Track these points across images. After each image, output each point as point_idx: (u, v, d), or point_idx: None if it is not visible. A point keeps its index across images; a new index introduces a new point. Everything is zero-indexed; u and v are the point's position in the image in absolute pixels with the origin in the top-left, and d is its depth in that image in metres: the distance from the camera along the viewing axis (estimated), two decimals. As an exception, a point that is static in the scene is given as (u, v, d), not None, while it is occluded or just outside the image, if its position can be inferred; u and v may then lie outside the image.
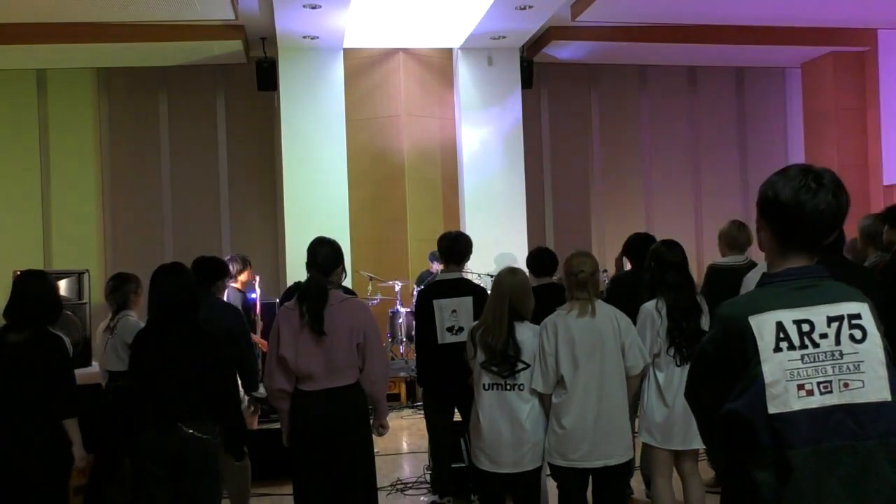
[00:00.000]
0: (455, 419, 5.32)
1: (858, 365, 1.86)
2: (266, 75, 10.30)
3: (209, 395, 3.71)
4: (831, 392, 1.85)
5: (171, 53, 10.13)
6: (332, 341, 3.88)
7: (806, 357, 1.86)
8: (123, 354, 4.55)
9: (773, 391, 1.85)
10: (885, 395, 1.85)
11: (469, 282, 5.26)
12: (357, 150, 10.43)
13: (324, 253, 3.99)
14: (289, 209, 10.12)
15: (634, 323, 4.11)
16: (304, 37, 9.63)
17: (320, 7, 8.53)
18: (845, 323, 1.88)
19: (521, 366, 3.96)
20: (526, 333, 3.99)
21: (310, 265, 4.00)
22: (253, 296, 7.50)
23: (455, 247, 5.21)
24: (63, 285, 5.45)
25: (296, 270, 8.65)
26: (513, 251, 9.75)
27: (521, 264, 5.31)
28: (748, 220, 4.98)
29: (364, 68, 10.61)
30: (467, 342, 4.19)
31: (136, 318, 4.88)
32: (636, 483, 5.40)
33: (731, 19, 10.06)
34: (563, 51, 10.86)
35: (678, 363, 4.06)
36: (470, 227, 9.88)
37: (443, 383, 5.11)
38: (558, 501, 4.18)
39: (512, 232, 10.33)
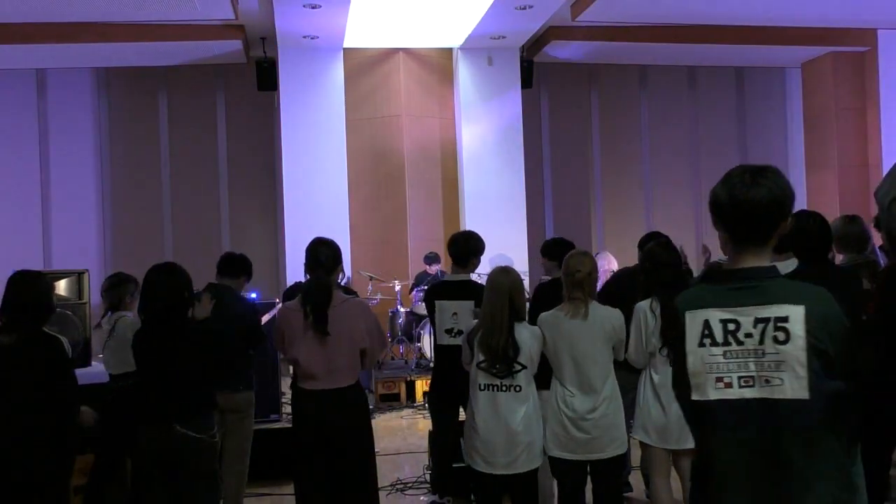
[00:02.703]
0: (461, 419, 5.30)
1: (779, 364, 1.99)
2: (266, 75, 10.31)
3: (202, 395, 3.71)
4: (753, 386, 2.01)
5: (171, 53, 10.13)
6: (334, 343, 3.90)
7: (728, 353, 2.03)
8: (124, 355, 4.53)
9: (695, 381, 2.07)
10: (804, 394, 1.97)
11: (474, 285, 5.16)
12: (357, 150, 10.44)
13: (325, 253, 4.00)
14: (289, 209, 10.12)
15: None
16: (304, 37, 9.63)
17: (320, 7, 8.53)
18: (770, 325, 2.00)
19: (517, 367, 3.97)
20: (524, 334, 4.01)
21: (312, 266, 3.99)
22: (252, 296, 7.48)
23: (462, 248, 5.15)
24: (63, 285, 5.44)
25: (296, 270, 8.65)
26: (513, 251, 9.75)
27: (517, 265, 5.27)
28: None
29: (364, 68, 10.61)
30: (463, 346, 4.18)
31: (133, 316, 4.87)
32: (636, 482, 5.40)
33: (731, 19, 10.06)
34: (563, 51, 10.86)
35: (672, 363, 4.08)
36: (470, 227, 9.82)
37: (441, 384, 5.12)
38: (557, 497, 4.21)
39: (512, 232, 10.33)
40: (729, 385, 2.02)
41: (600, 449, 3.98)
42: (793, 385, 1.97)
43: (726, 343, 2.03)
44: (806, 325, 1.97)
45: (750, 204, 2.01)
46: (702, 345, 2.06)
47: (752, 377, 2.00)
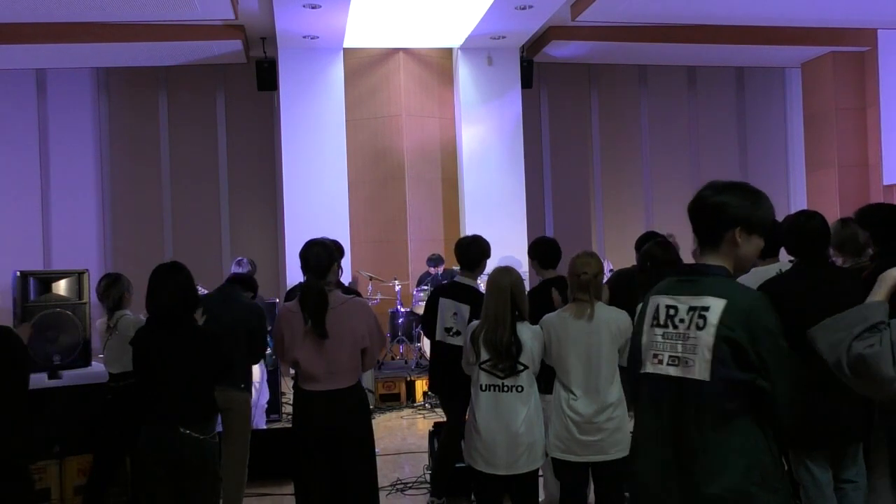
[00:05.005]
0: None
1: (694, 348, 2.26)
2: (266, 75, 10.31)
3: (207, 397, 3.70)
4: (677, 366, 2.30)
5: (171, 53, 10.13)
6: (334, 345, 3.89)
7: (666, 334, 2.34)
8: (123, 354, 4.53)
9: (644, 356, 2.40)
10: (706, 376, 2.24)
11: (476, 292, 5.08)
12: (357, 150, 10.44)
13: (315, 253, 3.95)
14: (289, 209, 10.12)
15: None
16: (304, 37, 9.64)
17: (320, 7, 8.53)
18: (696, 313, 2.28)
19: (520, 367, 3.96)
20: (526, 333, 3.99)
21: (304, 269, 3.98)
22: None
23: (465, 253, 5.11)
24: (63, 285, 5.42)
25: (296, 271, 8.61)
26: (513, 251, 9.74)
27: (517, 265, 5.23)
28: (748, 219, 4.97)
29: (364, 68, 10.61)
30: (466, 347, 4.15)
31: (133, 315, 4.87)
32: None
33: (731, 19, 10.06)
34: (563, 51, 10.86)
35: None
36: (470, 227, 9.89)
37: (440, 379, 5.13)
38: (560, 498, 4.19)
39: (512, 232, 10.32)
40: (661, 362, 2.33)
41: (603, 451, 3.92)
42: (700, 367, 2.24)
43: (666, 325, 2.34)
44: (721, 316, 2.22)
45: (694, 209, 2.37)
46: (651, 325, 2.38)
47: (678, 357, 2.29)
